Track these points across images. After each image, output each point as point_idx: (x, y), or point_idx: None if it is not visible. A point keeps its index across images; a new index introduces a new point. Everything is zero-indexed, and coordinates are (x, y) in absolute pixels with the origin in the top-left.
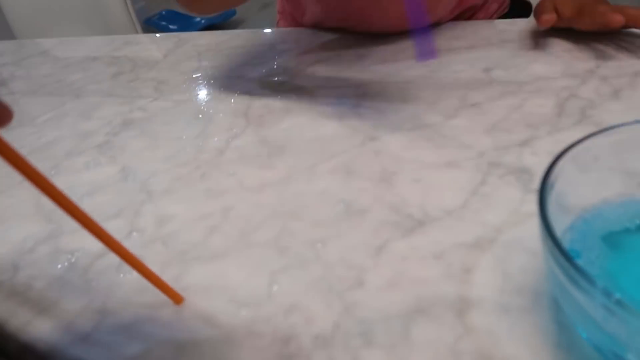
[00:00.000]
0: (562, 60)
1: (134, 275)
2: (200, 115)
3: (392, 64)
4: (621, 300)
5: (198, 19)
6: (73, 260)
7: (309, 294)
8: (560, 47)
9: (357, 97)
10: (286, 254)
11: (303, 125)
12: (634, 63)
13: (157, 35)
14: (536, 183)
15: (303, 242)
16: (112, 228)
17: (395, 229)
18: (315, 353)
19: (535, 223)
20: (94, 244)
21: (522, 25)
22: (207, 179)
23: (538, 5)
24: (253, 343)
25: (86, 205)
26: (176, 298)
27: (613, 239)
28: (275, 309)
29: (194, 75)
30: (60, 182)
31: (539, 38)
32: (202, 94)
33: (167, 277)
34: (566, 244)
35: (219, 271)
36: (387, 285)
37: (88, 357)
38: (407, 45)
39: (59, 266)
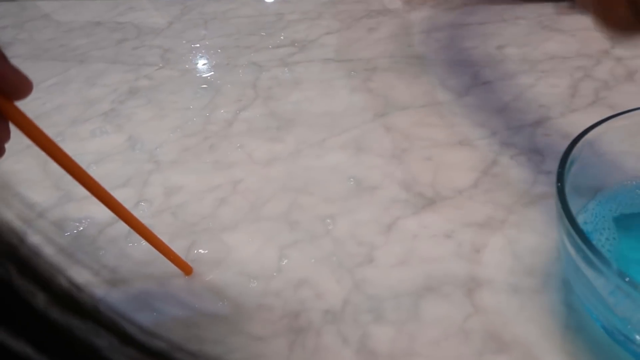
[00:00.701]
0: (577, 39)
1: (143, 245)
2: (207, 86)
3: (404, 38)
4: (634, 282)
5: None
6: (81, 228)
7: (319, 269)
8: (575, 26)
9: (367, 71)
10: (296, 228)
11: (312, 99)
12: None
13: (161, 1)
14: (548, 164)
15: (313, 217)
16: (120, 197)
17: (405, 207)
18: (325, 328)
19: (546, 204)
20: (102, 213)
21: (537, 1)
22: (215, 150)
23: None
24: (263, 316)
25: (93, 174)
26: (186, 269)
27: (625, 222)
28: (285, 283)
29: (200, 44)
30: (66, 150)
31: (554, 15)
32: (209, 63)
33: (176, 249)
34: (580, 226)
35: (228, 244)
36: (397, 262)
37: (96, 327)
38: (418, 19)
39: (67, 234)
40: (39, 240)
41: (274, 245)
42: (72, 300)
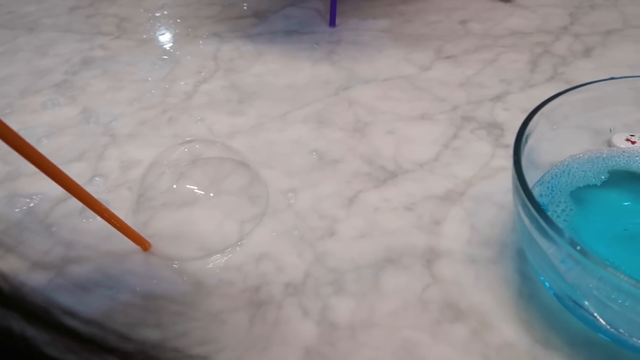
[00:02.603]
0: (538, 15)
1: (99, 220)
2: (166, 57)
3: (369, 11)
4: (584, 250)
5: None
6: (32, 204)
7: (280, 243)
8: (536, 2)
9: (331, 44)
10: (257, 202)
11: (275, 71)
12: (607, 22)
13: None
14: (507, 138)
15: (274, 191)
16: (74, 172)
17: (367, 180)
18: (285, 300)
19: (504, 177)
20: (54, 188)
21: None
22: (174, 123)
23: None
24: (223, 291)
25: (45, 148)
26: (143, 244)
27: (579, 194)
28: (246, 258)
29: (158, 14)
30: (15, 123)
31: None
32: (168, 34)
33: (133, 224)
34: (535, 197)
35: (188, 218)
36: (359, 235)
37: (49, 307)
38: None
39: (17, 210)
40: None
41: (234, 220)
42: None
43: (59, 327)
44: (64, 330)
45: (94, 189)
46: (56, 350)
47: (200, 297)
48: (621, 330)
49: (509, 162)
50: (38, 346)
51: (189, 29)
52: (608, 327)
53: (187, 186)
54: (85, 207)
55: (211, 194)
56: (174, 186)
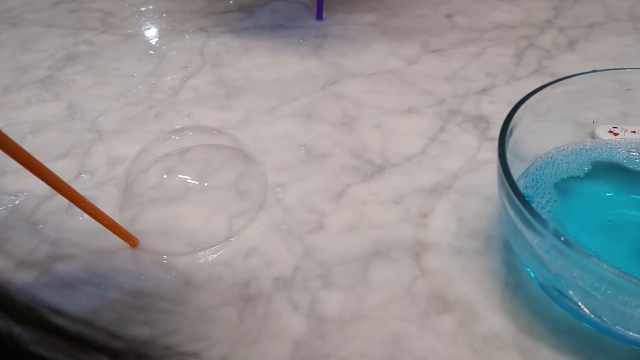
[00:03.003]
0: (523, 8)
1: (86, 217)
2: (152, 52)
3: (355, 5)
4: (569, 241)
5: None
6: (17, 202)
7: (269, 238)
8: None
9: (318, 38)
10: (246, 197)
11: (262, 66)
12: (591, 15)
13: None
14: (493, 131)
15: (263, 186)
16: (59, 169)
17: (355, 174)
18: (275, 295)
19: (490, 170)
20: (40, 185)
21: None
22: (161, 119)
23: None
24: (212, 286)
25: (29, 145)
26: (131, 240)
27: (563, 186)
28: (235, 253)
29: (143, 8)
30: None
31: None
32: (154, 28)
33: (121, 220)
34: (519, 189)
35: (176, 214)
36: (347, 229)
37: (36, 306)
38: None
39: (2, 208)
40: None
41: (223, 215)
42: None
43: (46, 326)
44: (52, 329)
45: (80, 186)
46: (44, 349)
47: (190, 293)
48: (604, 319)
49: (495, 155)
50: (25, 345)
51: (175, 24)
52: (592, 315)
53: (179, 176)
54: (71, 204)
55: (205, 184)
56: (165, 176)
